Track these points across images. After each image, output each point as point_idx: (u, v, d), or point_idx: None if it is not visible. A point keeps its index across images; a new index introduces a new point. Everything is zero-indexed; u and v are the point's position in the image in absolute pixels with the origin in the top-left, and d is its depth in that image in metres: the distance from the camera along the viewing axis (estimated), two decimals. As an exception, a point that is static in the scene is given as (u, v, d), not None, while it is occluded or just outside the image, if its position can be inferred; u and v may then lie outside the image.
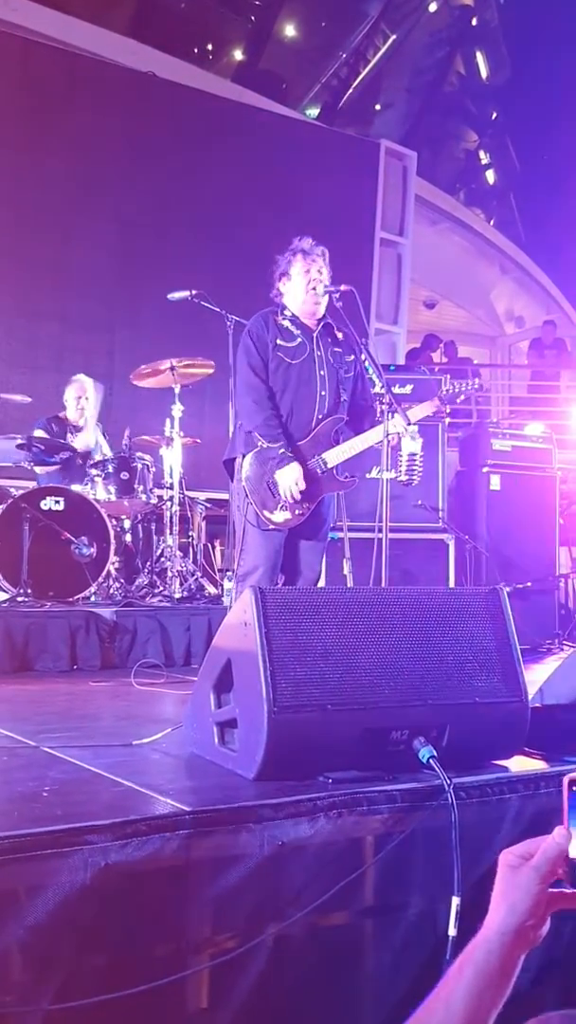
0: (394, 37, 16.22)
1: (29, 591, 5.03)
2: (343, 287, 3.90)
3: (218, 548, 7.22)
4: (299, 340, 3.91)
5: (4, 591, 5.11)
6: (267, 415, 3.82)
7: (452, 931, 1.93)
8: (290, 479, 3.76)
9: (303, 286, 3.90)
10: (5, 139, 7.80)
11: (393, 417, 3.84)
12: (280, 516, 3.84)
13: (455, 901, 1.93)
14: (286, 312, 3.96)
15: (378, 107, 16.39)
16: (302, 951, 1.88)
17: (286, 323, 3.93)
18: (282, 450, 3.79)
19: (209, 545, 7.11)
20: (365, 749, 2.12)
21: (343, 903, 1.94)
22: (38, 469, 5.81)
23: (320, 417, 3.90)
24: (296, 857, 1.88)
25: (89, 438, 6.11)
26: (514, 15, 19.60)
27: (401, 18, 16.98)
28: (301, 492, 3.80)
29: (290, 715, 2.04)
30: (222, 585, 5.82)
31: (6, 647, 4.54)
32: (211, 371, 5.80)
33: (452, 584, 5.70)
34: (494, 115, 20.88)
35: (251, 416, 3.86)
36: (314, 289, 3.89)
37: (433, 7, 18.24)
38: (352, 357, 4.01)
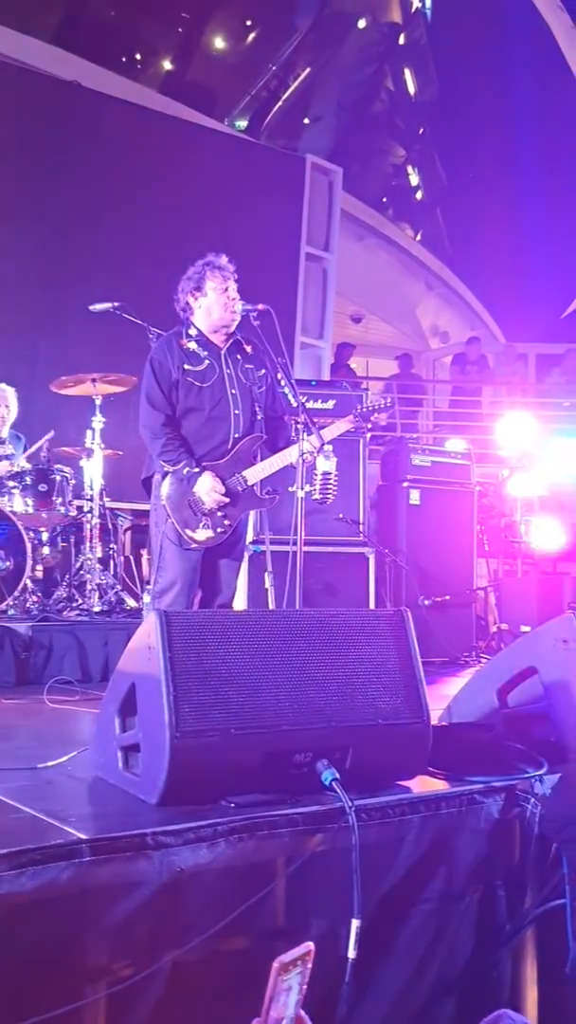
0: (323, 52, 16.37)
1: None
2: (260, 306, 3.92)
3: (144, 558, 7.17)
4: (207, 362, 3.90)
5: None
6: (163, 441, 3.82)
7: (352, 953, 1.96)
8: (208, 487, 3.77)
9: (220, 303, 3.90)
10: None
11: (308, 436, 3.87)
12: (202, 534, 3.84)
13: (355, 923, 1.95)
14: (191, 332, 3.95)
15: (307, 121, 16.50)
16: (200, 977, 1.88)
17: (191, 345, 3.92)
18: (186, 469, 3.79)
19: (132, 557, 7.06)
20: (268, 772, 2.13)
21: (244, 927, 1.94)
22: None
23: (237, 436, 3.91)
24: (196, 882, 1.89)
25: (8, 450, 6.02)
26: (441, 33, 19.96)
27: (331, 33, 17.13)
28: (223, 509, 3.81)
29: (192, 740, 2.04)
30: (143, 598, 5.78)
31: None
32: (133, 386, 5.77)
33: (372, 597, 5.76)
34: (421, 131, 21.19)
35: (151, 445, 3.88)
36: (233, 307, 3.90)
37: (362, 23, 18.43)
38: (263, 371, 4.03)
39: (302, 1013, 1.11)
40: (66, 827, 1.90)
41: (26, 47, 8.66)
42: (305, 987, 1.19)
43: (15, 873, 1.69)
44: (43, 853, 1.74)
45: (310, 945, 1.26)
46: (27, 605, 5.47)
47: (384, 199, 17.92)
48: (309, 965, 1.24)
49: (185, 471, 3.77)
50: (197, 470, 3.78)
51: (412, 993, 2.13)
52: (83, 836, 1.83)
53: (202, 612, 3.31)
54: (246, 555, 4.64)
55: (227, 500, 3.81)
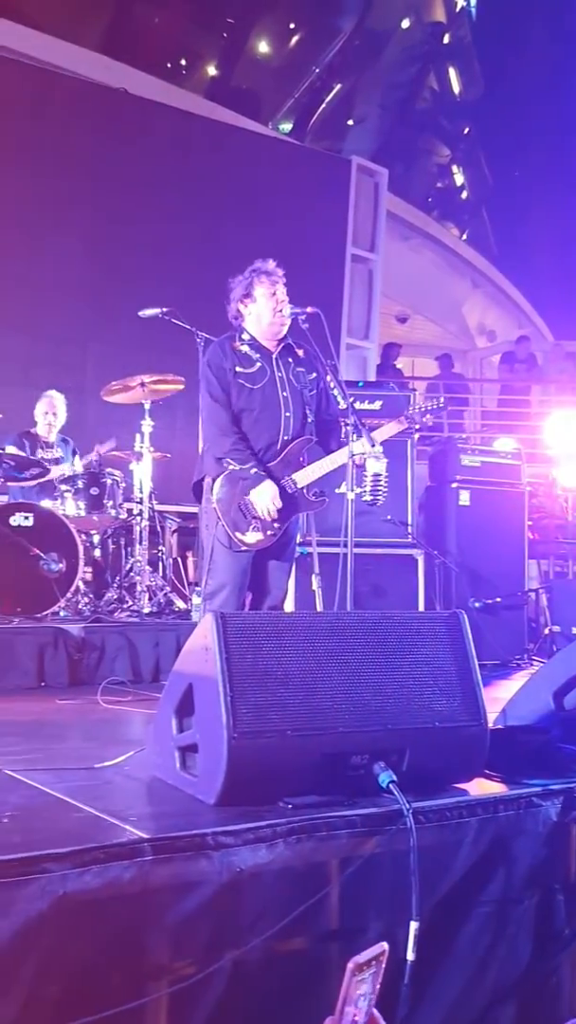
0: (367, 54, 16.35)
1: (-3, 607, 5.02)
2: (309, 309, 3.93)
3: (190, 560, 7.22)
4: (258, 364, 3.93)
5: (-29, 607, 5.09)
6: (233, 440, 3.85)
7: (411, 955, 1.95)
8: (266, 498, 3.79)
9: (269, 308, 3.92)
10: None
11: (359, 438, 3.87)
12: (252, 537, 3.86)
13: (413, 925, 1.95)
14: (244, 336, 3.98)
15: (351, 122, 16.50)
16: (260, 977, 1.89)
17: (244, 348, 3.95)
18: (254, 470, 3.81)
19: (179, 559, 7.11)
20: (325, 774, 2.14)
21: (302, 928, 1.95)
22: (13, 485, 5.82)
23: (287, 439, 3.92)
24: (255, 883, 1.90)
25: (56, 454, 6.12)
26: (487, 31, 19.84)
27: (374, 34, 17.12)
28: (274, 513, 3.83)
29: (250, 741, 2.05)
30: (191, 599, 5.82)
31: (-28, 665, 4.52)
32: (181, 387, 5.82)
33: (421, 599, 5.73)
34: (466, 130, 21.08)
35: (219, 444, 3.89)
36: (281, 311, 3.92)
37: (406, 24, 18.40)
38: (314, 375, 4.04)
39: (376, 1013, 1.11)
40: (127, 826, 1.93)
41: (74, 56, 8.78)
42: (378, 987, 1.19)
43: (79, 871, 1.72)
44: (106, 852, 1.76)
45: (384, 945, 1.26)
46: (79, 607, 5.55)
47: (429, 199, 17.86)
48: (383, 965, 1.24)
49: (253, 471, 3.80)
50: (264, 475, 3.82)
51: (471, 997, 2.12)
52: (144, 835, 1.85)
53: (257, 613, 3.33)
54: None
55: (276, 516, 3.83)
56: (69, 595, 5.33)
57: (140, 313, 5.48)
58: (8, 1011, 1.63)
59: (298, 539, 5.07)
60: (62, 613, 5.32)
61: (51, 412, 6.28)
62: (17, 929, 1.63)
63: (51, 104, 8.15)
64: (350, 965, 1.07)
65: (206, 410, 3.95)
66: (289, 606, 5.01)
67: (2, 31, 8.44)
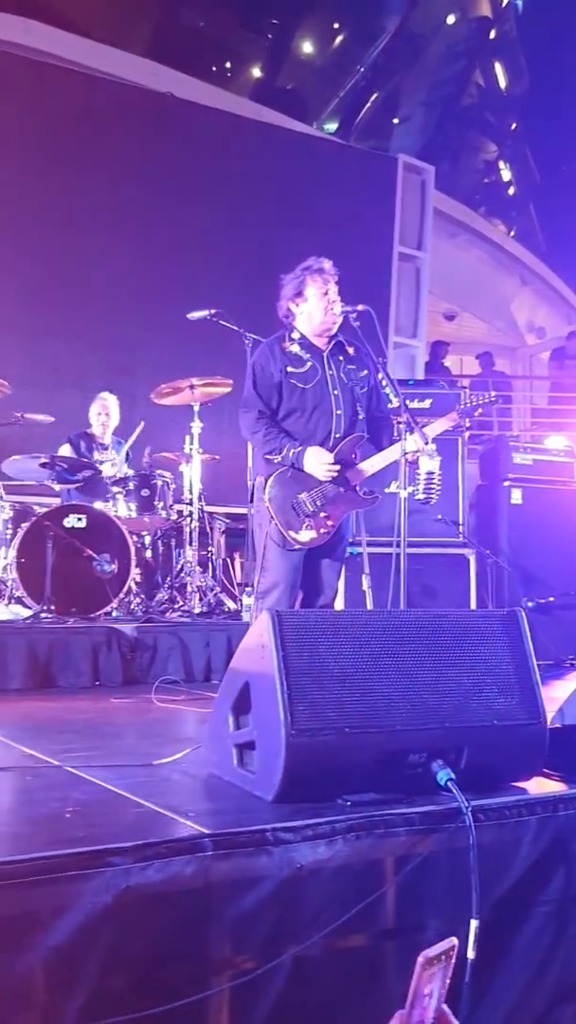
0: (412, 51, 16.28)
1: (52, 607, 5.09)
2: (360, 307, 3.93)
3: (238, 561, 7.26)
4: (309, 363, 3.93)
5: (28, 607, 5.17)
6: (262, 432, 3.86)
7: (471, 953, 1.94)
8: (317, 461, 3.79)
9: (321, 307, 3.93)
10: (24, 162, 7.91)
11: (411, 435, 3.86)
12: (305, 535, 3.86)
13: (474, 924, 1.94)
14: (294, 335, 3.98)
15: (396, 120, 16.44)
16: (321, 973, 1.90)
17: (294, 348, 3.95)
18: (291, 451, 3.82)
19: (228, 560, 7.15)
20: (383, 772, 2.13)
21: (362, 925, 1.95)
22: (60, 487, 5.91)
23: (338, 437, 3.92)
24: (314, 879, 1.90)
25: (111, 455, 6.20)
26: (533, 26, 19.63)
27: (419, 31, 17.04)
28: (326, 510, 3.83)
29: (308, 738, 2.06)
30: (241, 600, 5.85)
31: (30, 663, 4.60)
32: (229, 389, 5.86)
33: (473, 599, 5.70)
34: (513, 126, 20.88)
35: (252, 437, 3.93)
36: (332, 310, 3.92)
37: (451, 19, 18.29)
38: (365, 372, 4.03)
39: (445, 1008, 1.11)
40: (187, 822, 1.94)
41: (120, 61, 8.87)
42: (448, 982, 1.19)
43: (141, 866, 1.74)
44: (167, 847, 1.78)
45: (454, 940, 1.26)
46: (131, 607, 5.61)
47: (476, 196, 17.72)
48: (452, 960, 1.24)
49: (291, 453, 3.80)
50: (300, 448, 3.80)
51: (532, 997, 2.10)
52: (204, 830, 1.86)
53: (313, 611, 3.33)
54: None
55: (338, 468, 3.81)
56: (121, 595, 5.40)
57: (189, 315, 5.53)
58: (74, 1002, 1.66)
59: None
60: (115, 613, 5.38)
61: (104, 413, 6.38)
62: (83, 922, 1.66)
63: (99, 110, 8.26)
64: (420, 959, 1.07)
65: (240, 417, 3.97)
66: (339, 606, 5.01)
67: (51, 39, 8.56)
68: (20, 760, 2.70)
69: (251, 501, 4.09)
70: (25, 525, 5.26)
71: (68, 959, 1.65)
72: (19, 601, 5.24)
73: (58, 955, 1.64)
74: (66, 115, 8.13)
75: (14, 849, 1.77)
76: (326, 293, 3.92)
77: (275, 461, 3.86)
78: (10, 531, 5.42)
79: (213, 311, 5.41)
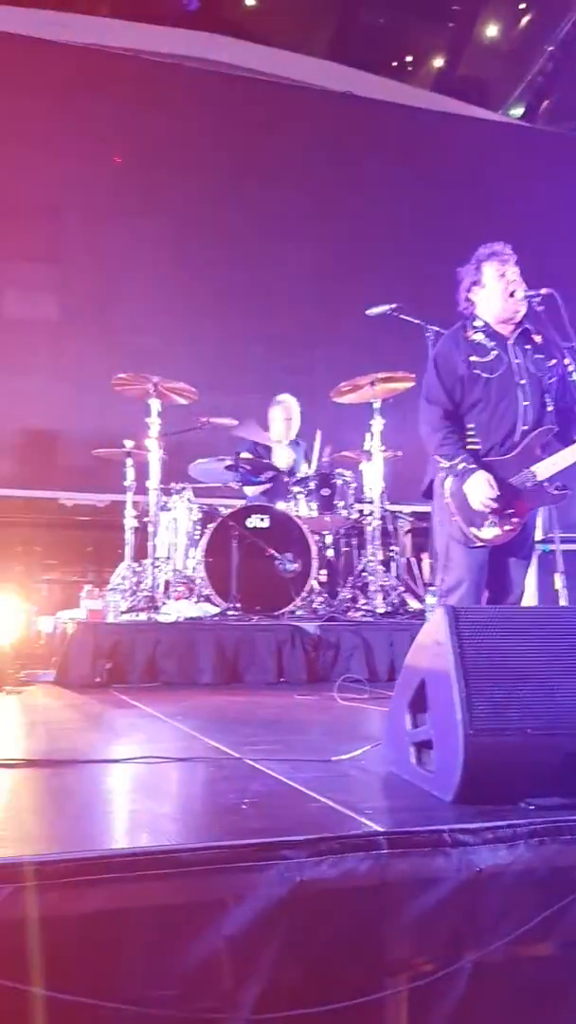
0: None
1: (238, 605, 5.22)
2: (544, 291, 3.74)
3: (426, 561, 7.17)
4: (494, 352, 3.78)
5: (215, 605, 5.32)
6: (442, 435, 3.71)
7: None
8: (479, 490, 3.62)
9: (500, 291, 3.78)
10: (210, 171, 8.16)
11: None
12: (488, 532, 3.72)
13: None
14: (477, 324, 3.84)
15: (586, 101, 15.73)
16: (502, 981, 1.82)
17: (478, 336, 3.81)
18: (461, 464, 3.65)
19: (413, 559, 7.08)
20: (569, 775, 2.03)
21: (546, 934, 1.86)
22: (246, 489, 6.04)
23: (525, 429, 3.75)
24: (494, 884, 1.83)
25: (292, 456, 6.27)
26: None
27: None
28: (512, 506, 3.68)
29: (488, 738, 1.99)
30: (425, 600, 5.77)
31: (218, 659, 4.73)
32: (411, 384, 5.79)
33: None
34: None
35: (429, 440, 3.79)
36: (512, 293, 3.77)
37: None
38: (554, 361, 3.83)
39: None
40: (362, 819, 1.92)
41: (297, 65, 8.98)
42: None
43: (316, 860, 1.73)
44: (342, 842, 1.76)
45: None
46: (313, 605, 5.65)
47: None
48: None
49: (460, 466, 3.67)
50: (473, 467, 3.65)
51: None
52: (380, 828, 1.83)
53: (491, 608, 3.24)
54: (534, 555, 4.47)
55: (495, 506, 3.66)
56: (304, 594, 5.45)
57: (368, 312, 5.51)
58: (249, 993, 1.67)
59: (539, 535, 4.90)
60: (298, 612, 5.44)
61: (286, 416, 6.47)
62: (258, 913, 1.67)
63: (282, 116, 8.44)
64: None
65: (420, 407, 3.86)
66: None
67: (232, 50, 8.77)
68: (205, 752, 2.77)
69: (428, 497, 3.99)
70: (211, 526, 5.42)
71: (244, 949, 1.66)
72: (207, 599, 5.40)
73: (234, 945, 1.66)
74: (249, 123, 8.34)
75: (192, 837, 1.81)
76: (503, 275, 3.77)
77: (442, 465, 3.75)
78: (198, 532, 5.59)
79: (393, 306, 5.37)
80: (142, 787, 2.40)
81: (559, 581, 4.60)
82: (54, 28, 7.92)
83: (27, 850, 1.70)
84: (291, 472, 6.22)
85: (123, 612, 5.15)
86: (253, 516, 5.48)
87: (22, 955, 1.53)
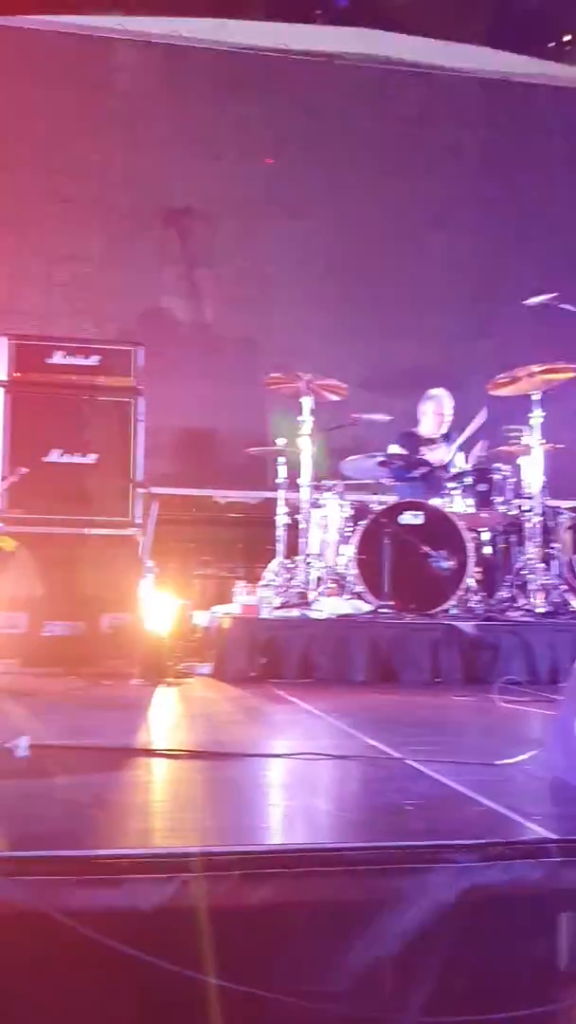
0: None
1: (391, 603, 5.17)
2: None
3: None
4: None
5: (368, 603, 5.29)
6: None
7: None
8: None
9: None
10: (363, 167, 8.16)
11: None
12: None
13: None
14: None
15: None
16: None
17: None
18: None
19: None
20: None
21: None
22: (397, 484, 5.99)
23: None
24: None
25: (445, 452, 6.18)
26: None
27: None
28: None
29: None
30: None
31: (372, 658, 4.71)
32: (573, 375, 5.59)
33: None
34: None
35: None
36: None
37: None
38: None
39: None
40: (531, 825, 1.86)
41: (451, 53, 8.84)
42: None
43: (484, 865, 1.69)
44: (511, 848, 1.72)
45: None
46: (469, 604, 5.53)
47: None
48: None
49: None
50: None
51: None
52: (552, 836, 1.77)
53: None
54: None
55: None
56: (460, 592, 5.35)
57: (527, 302, 5.38)
58: (417, 997, 1.64)
59: None
60: (453, 610, 5.34)
61: (439, 411, 6.37)
62: (426, 916, 1.64)
63: (437, 106, 8.40)
64: None
65: None
66: None
67: (389, 44, 8.70)
68: (363, 750, 2.75)
69: None
70: (363, 523, 5.39)
71: (411, 951, 1.64)
72: (359, 596, 5.37)
73: (402, 946, 1.63)
74: (405, 115, 8.31)
75: (355, 836, 1.80)
76: None
77: None
78: (350, 529, 5.58)
79: (554, 295, 5.23)
80: (304, 783, 2.41)
81: None
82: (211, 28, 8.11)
83: (195, 841, 1.72)
84: (446, 467, 6.12)
85: (276, 608, 5.20)
86: (406, 512, 5.42)
87: (191, 944, 1.55)
